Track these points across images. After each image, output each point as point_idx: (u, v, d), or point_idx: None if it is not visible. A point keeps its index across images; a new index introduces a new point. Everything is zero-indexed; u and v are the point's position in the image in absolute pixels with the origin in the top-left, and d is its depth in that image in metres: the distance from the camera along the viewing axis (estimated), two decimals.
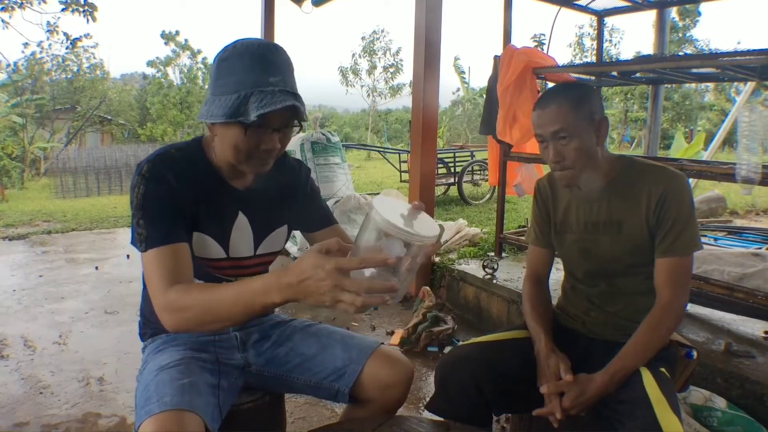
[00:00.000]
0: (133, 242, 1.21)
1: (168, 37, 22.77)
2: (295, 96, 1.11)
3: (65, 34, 7.55)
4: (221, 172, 1.25)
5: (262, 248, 1.35)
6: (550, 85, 3.82)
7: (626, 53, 22.58)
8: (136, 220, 1.13)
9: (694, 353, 1.45)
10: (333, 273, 0.83)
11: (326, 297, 0.84)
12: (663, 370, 1.29)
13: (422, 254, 0.86)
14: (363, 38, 26.91)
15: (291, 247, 4.66)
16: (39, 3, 7.07)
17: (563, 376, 1.30)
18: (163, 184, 1.14)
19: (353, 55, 27.18)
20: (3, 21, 6.87)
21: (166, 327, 1.04)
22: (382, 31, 28.15)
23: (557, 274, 1.91)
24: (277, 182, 1.33)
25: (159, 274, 1.07)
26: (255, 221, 1.32)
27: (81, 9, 6.78)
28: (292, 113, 1.13)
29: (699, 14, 22.31)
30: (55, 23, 7.64)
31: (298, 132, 1.34)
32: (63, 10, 6.75)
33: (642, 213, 1.36)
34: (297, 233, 4.55)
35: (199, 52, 23.21)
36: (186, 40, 23.24)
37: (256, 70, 1.08)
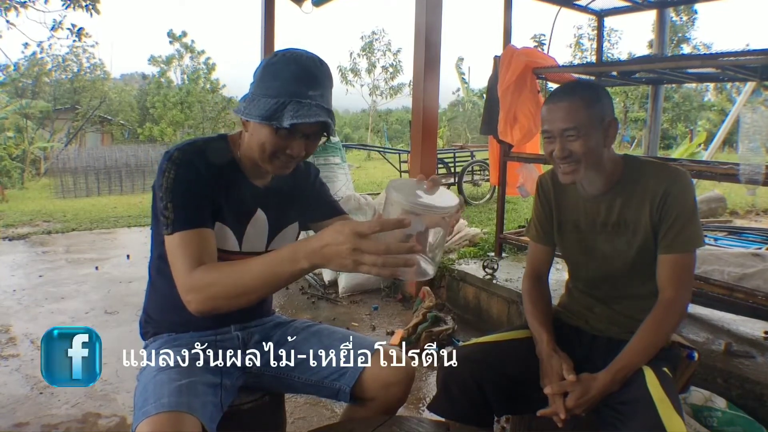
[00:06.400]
0: (153, 229, 1.26)
1: (174, 37, 22.72)
2: (329, 112, 1.17)
3: (70, 27, 7.48)
4: (244, 169, 1.30)
5: (274, 244, 1.39)
6: (551, 85, 3.83)
7: (624, 53, 22.61)
8: (164, 203, 1.15)
9: (696, 354, 1.44)
10: (351, 236, 0.88)
11: (347, 260, 0.89)
12: (665, 369, 1.29)
13: (446, 225, 0.90)
14: (362, 38, 26.89)
15: None
16: (45, 1, 7.03)
17: (566, 376, 1.30)
18: (193, 170, 1.18)
19: (351, 54, 27.16)
20: (8, 22, 6.83)
21: (192, 310, 1.06)
22: (381, 31, 28.15)
23: (557, 274, 1.92)
24: (292, 182, 1.39)
25: (184, 256, 1.10)
26: (271, 218, 1.37)
27: (84, 3, 6.75)
28: (322, 126, 1.19)
29: (695, 12, 22.35)
30: (60, 20, 7.61)
31: (324, 143, 1.42)
32: (66, 7, 6.72)
33: (646, 212, 1.36)
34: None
35: (202, 52, 23.17)
36: (192, 41, 23.22)
37: (299, 81, 1.14)
